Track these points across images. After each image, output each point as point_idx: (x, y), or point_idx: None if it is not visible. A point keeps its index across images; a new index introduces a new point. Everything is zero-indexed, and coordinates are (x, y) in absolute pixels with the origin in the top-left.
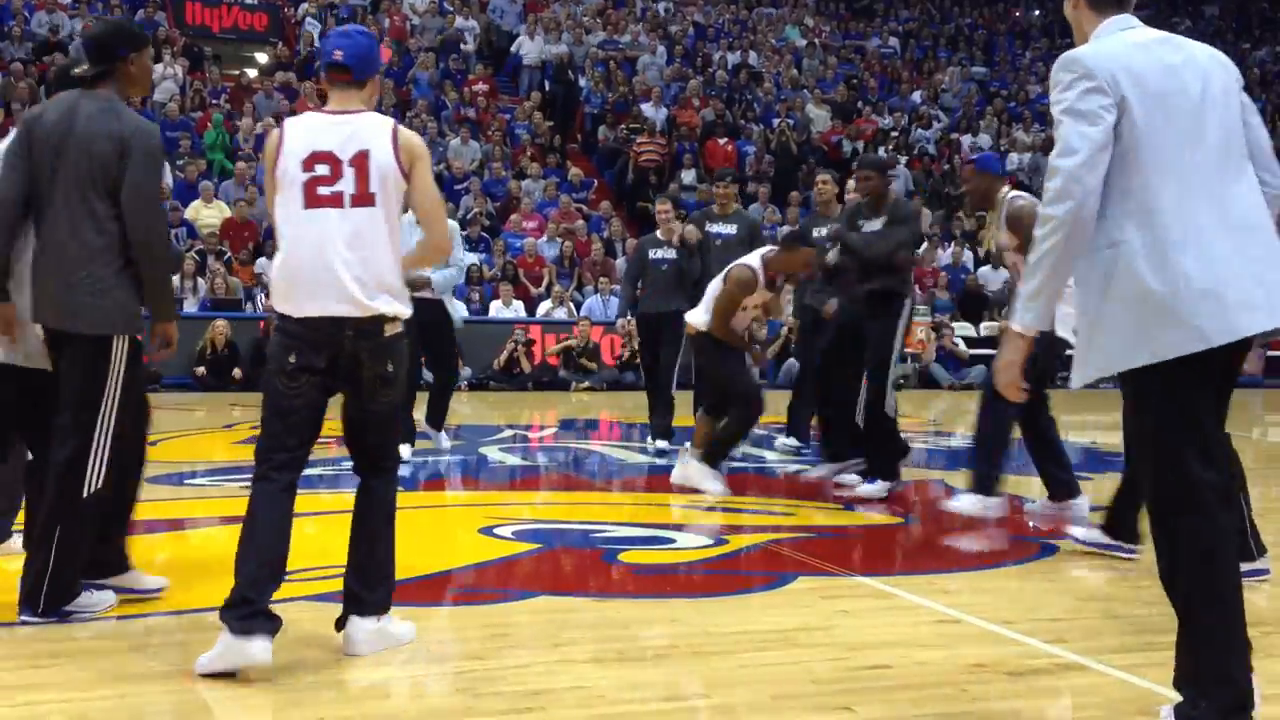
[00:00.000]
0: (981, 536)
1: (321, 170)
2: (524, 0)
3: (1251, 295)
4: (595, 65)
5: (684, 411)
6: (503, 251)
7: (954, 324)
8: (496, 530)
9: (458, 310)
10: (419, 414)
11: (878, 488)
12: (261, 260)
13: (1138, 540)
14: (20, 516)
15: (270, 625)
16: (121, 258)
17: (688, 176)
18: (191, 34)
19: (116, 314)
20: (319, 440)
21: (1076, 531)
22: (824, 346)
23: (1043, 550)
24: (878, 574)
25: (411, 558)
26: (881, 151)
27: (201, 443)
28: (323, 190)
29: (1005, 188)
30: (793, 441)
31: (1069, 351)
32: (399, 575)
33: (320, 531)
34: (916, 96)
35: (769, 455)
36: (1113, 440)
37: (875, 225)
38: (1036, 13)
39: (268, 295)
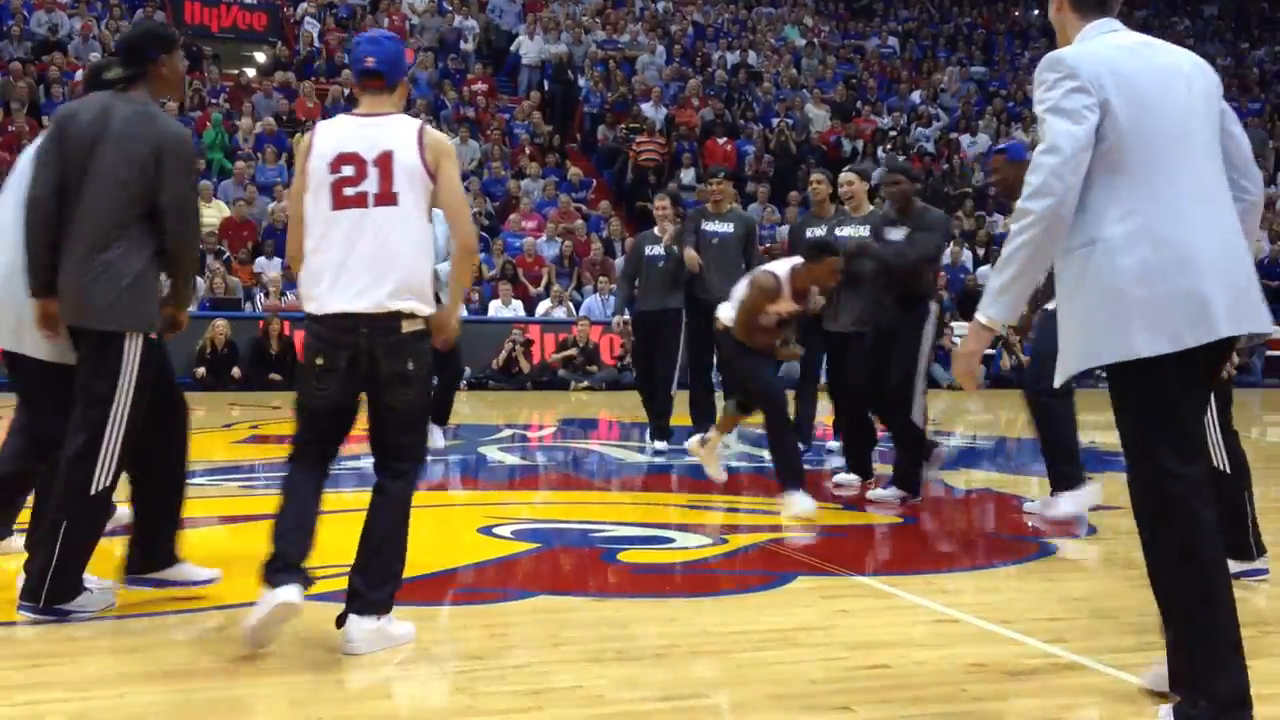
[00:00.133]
0: (980, 537)
1: (347, 171)
2: (523, 0)
3: (1228, 299)
4: (594, 65)
5: (681, 410)
6: (502, 251)
7: (953, 323)
8: (495, 530)
9: None
10: None
11: (891, 493)
12: (260, 260)
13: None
14: (24, 515)
15: (300, 577)
16: (142, 259)
17: (687, 176)
18: (191, 33)
19: (130, 311)
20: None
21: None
22: (867, 351)
23: (1042, 550)
24: (877, 574)
25: (411, 557)
26: (880, 151)
27: (201, 442)
28: (348, 191)
29: None
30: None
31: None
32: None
33: (320, 531)
34: (916, 96)
35: (769, 455)
36: (1112, 440)
37: (901, 232)
38: (1036, 12)
39: (267, 295)
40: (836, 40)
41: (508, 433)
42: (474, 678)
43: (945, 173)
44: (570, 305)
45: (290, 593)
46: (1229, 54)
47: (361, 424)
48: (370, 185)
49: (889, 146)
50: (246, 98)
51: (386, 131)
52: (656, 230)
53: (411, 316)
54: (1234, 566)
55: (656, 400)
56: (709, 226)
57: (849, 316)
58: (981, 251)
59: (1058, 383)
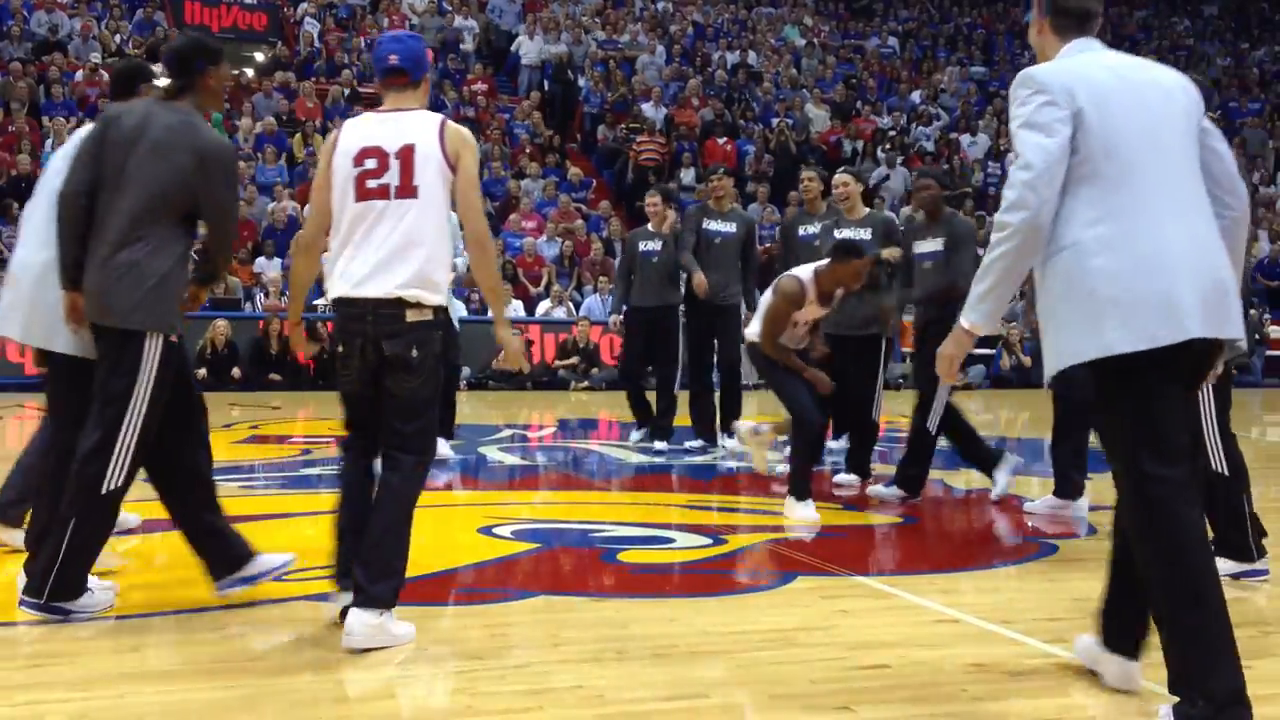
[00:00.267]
0: (980, 537)
1: (370, 164)
2: (523, 0)
3: (1198, 301)
4: (594, 65)
5: (683, 411)
6: (502, 251)
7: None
8: (495, 530)
9: (456, 309)
10: None
11: (893, 492)
12: (260, 260)
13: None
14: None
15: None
16: (168, 261)
17: (687, 176)
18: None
19: (152, 312)
20: (319, 440)
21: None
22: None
23: (1042, 550)
24: (877, 574)
25: (411, 557)
26: (880, 152)
27: None
28: (371, 183)
29: None
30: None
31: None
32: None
33: (320, 532)
34: (915, 96)
35: (768, 455)
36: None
37: (933, 244)
38: None
39: (267, 295)
40: (836, 40)
41: (508, 433)
42: (474, 678)
43: (945, 173)
44: (570, 305)
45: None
46: (1229, 54)
47: None
48: (392, 178)
49: (889, 146)
50: (246, 98)
51: (409, 126)
52: (649, 225)
53: (419, 306)
54: (1234, 567)
55: (659, 399)
56: (711, 225)
57: (857, 319)
58: (981, 252)
59: (1046, 385)
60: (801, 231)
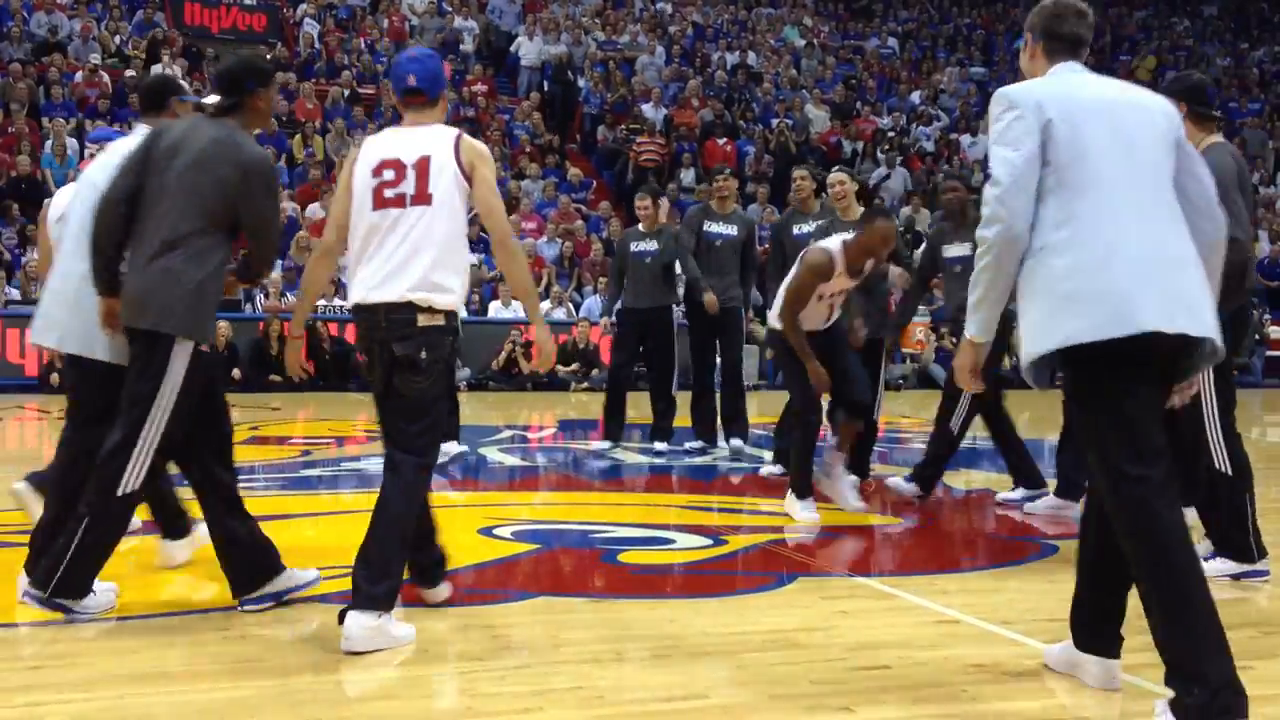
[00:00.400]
0: (980, 537)
1: (388, 175)
2: (523, 1)
3: (1156, 297)
4: (594, 66)
5: (683, 411)
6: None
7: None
8: (496, 531)
9: None
10: None
11: (911, 489)
12: None
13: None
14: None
15: (426, 577)
16: (205, 270)
17: (687, 177)
18: (190, 34)
19: (185, 318)
20: (319, 441)
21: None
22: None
23: (1042, 550)
24: (877, 574)
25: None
26: (879, 152)
27: None
28: (388, 193)
29: None
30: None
31: None
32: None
33: (321, 532)
34: (915, 97)
35: (768, 455)
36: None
37: (961, 248)
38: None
39: (267, 296)
40: (836, 41)
41: (508, 434)
42: (474, 678)
43: (946, 174)
44: (570, 306)
45: (439, 593)
46: (1229, 54)
47: (362, 425)
48: (408, 187)
49: (888, 147)
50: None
51: (426, 139)
52: (640, 227)
53: (430, 311)
54: (1235, 568)
55: (658, 401)
56: (713, 228)
57: (869, 323)
58: None
59: (1029, 380)
60: (795, 230)
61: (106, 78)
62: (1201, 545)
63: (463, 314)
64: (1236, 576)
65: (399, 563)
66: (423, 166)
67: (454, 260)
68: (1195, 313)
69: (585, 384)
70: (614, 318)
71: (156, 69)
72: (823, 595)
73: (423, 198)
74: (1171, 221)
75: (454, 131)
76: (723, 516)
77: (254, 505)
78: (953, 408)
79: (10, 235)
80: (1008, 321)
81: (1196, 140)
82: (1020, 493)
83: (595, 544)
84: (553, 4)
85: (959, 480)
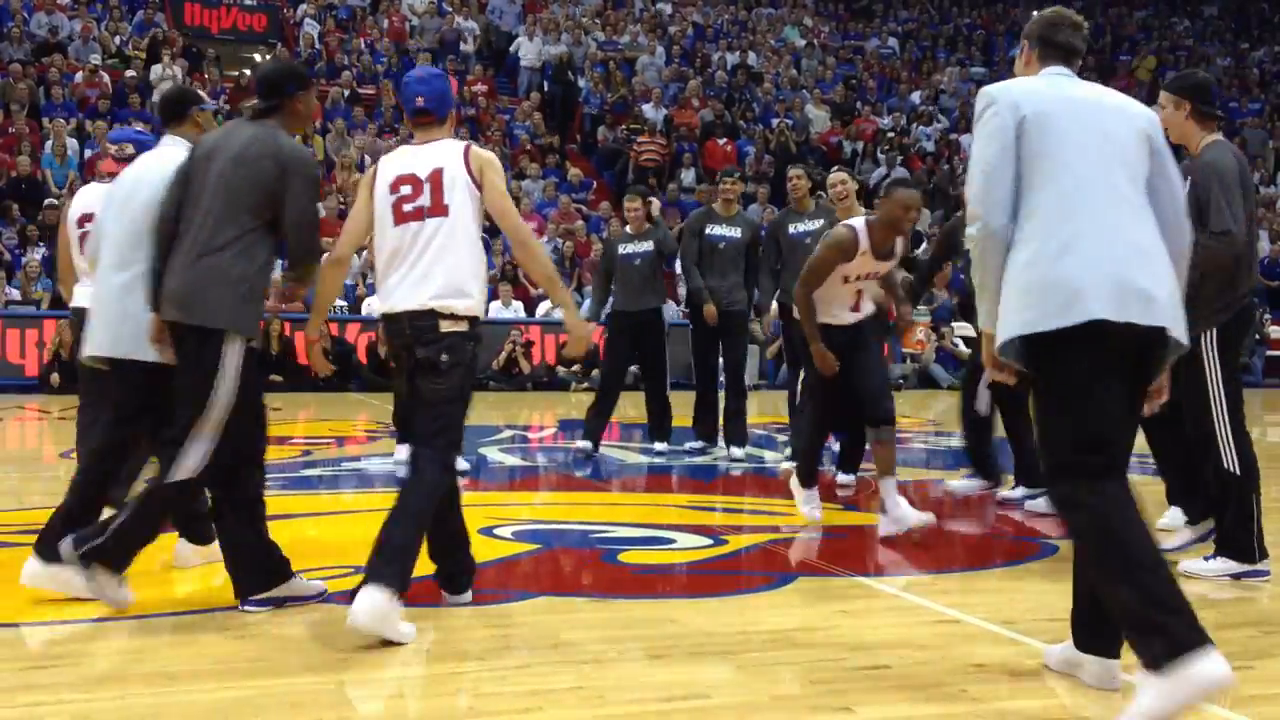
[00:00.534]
0: (980, 537)
1: (405, 190)
2: (523, 1)
3: (1108, 286)
4: (594, 66)
5: (680, 410)
6: (502, 252)
7: (954, 324)
8: (496, 530)
9: None
10: None
11: (977, 484)
12: None
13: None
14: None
15: (453, 584)
16: (252, 267)
17: (687, 177)
18: (191, 35)
19: (234, 314)
20: (320, 441)
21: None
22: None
23: (1043, 550)
24: (878, 574)
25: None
26: (880, 152)
27: None
28: (407, 207)
29: None
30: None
31: None
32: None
33: (321, 532)
34: (915, 97)
35: (768, 455)
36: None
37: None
38: (1035, 13)
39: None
40: (836, 41)
41: (508, 434)
42: (475, 678)
43: (946, 173)
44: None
45: (461, 600)
46: (1229, 54)
47: (362, 425)
48: (424, 200)
49: (889, 147)
50: (247, 99)
51: (438, 153)
52: (628, 228)
53: (452, 317)
54: (1237, 568)
55: (653, 401)
56: (716, 230)
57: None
58: None
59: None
60: (791, 230)
61: (106, 78)
62: (1167, 519)
63: (503, 313)
64: (1237, 576)
65: (412, 554)
66: (436, 180)
67: (473, 266)
68: (1150, 304)
69: (585, 384)
70: (603, 321)
71: (156, 69)
72: (823, 595)
73: (439, 210)
74: (1137, 213)
75: (463, 144)
76: (723, 516)
77: None
78: (973, 393)
79: (10, 235)
80: None
81: (1198, 138)
82: (1020, 491)
83: (596, 544)
84: (553, 4)
85: (959, 480)
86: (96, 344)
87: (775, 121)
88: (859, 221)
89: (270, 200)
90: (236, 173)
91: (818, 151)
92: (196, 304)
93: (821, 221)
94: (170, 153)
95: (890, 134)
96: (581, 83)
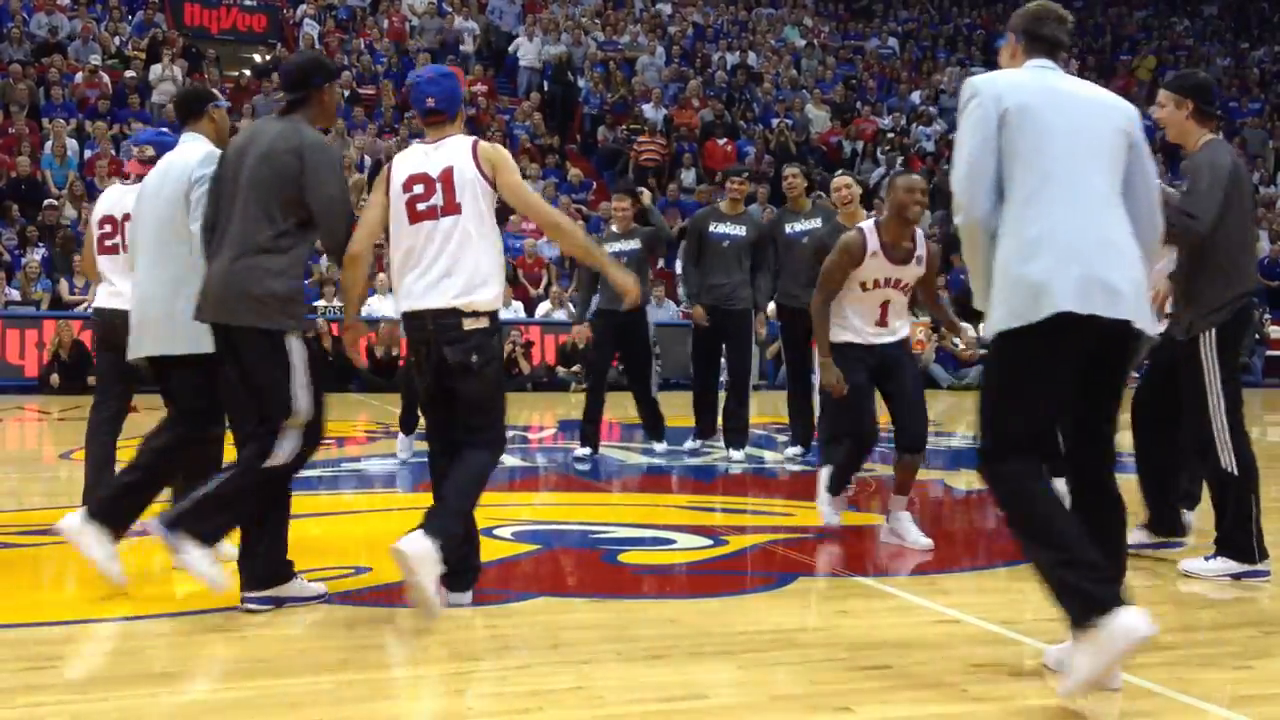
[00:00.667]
0: (980, 537)
1: (418, 190)
2: (523, 1)
3: (1076, 280)
4: (594, 66)
5: (680, 410)
6: (501, 252)
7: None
8: (496, 531)
9: None
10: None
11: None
12: None
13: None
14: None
15: (456, 581)
16: (289, 258)
17: (687, 177)
18: (190, 35)
19: (284, 310)
20: (320, 441)
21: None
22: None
23: None
24: (877, 574)
25: None
26: (880, 152)
27: None
28: (420, 206)
29: None
30: (796, 450)
31: None
32: (400, 575)
33: (323, 532)
34: (915, 97)
35: (768, 455)
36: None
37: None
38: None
39: None
40: (836, 41)
41: (508, 434)
42: (475, 679)
43: (946, 173)
44: (570, 307)
45: (461, 598)
46: (1229, 54)
47: (362, 425)
48: (437, 199)
49: (889, 147)
50: (246, 99)
51: (448, 152)
52: (615, 227)
53: (475, 315)
54: (1236, 568)
55: (640, 403)
56: (718, 229)
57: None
58: None
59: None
60: (788, 229)
61: (106, 78)
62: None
63: (503, 313)
64: (1237, 576)
65: (458, 519)
66: (448, 178)
67: (490, 261)
68: (1115, 297)
69: (585, 385)
70: (590, 320)
71: (156, 70)
72: (823, 595)
73: (452, 208)
74: (1110, 207)
75: (470, 140)
76: (723, 517)
77: None
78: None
79: (10, 236)
80: None
81: (1196, 137)
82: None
83: (595, 544)
84: (553, 4)
85: (959, 480)
86: (150, 344)
87: (775, 121)
88: (866, 224)
89: (298, 193)
90: (261, 170)
91: (818, 152)
92: (239, 305)
93: (818, 221)
94: (191, 147)
95: (890, 134)
96: (581, 83)
